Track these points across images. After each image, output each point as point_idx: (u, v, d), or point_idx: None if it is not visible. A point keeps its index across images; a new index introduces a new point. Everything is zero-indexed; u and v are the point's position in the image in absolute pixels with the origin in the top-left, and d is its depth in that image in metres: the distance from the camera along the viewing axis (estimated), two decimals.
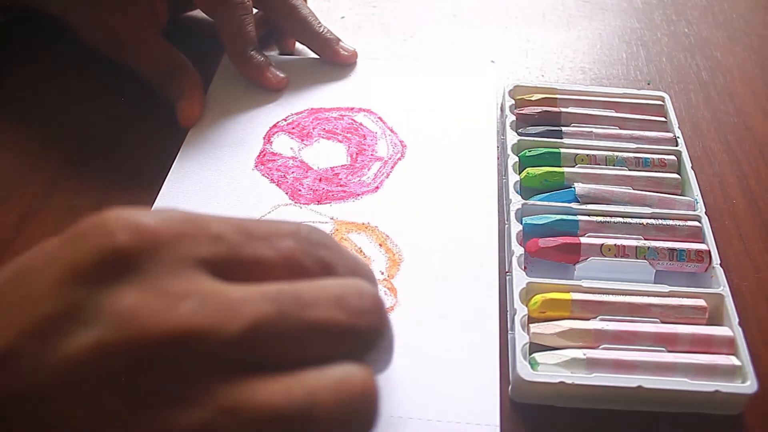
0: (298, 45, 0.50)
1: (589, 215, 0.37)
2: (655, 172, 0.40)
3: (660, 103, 0.44)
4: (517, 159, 0.40)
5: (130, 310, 0.19)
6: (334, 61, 0.48)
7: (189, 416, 0.18)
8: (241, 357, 0.20)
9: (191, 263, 0.20)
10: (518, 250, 0.35)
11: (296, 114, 0.45)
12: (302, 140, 0.43)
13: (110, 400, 0.18)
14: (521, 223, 0.36)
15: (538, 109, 0.43)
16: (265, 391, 0.19)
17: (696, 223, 0.37)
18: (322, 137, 0.43)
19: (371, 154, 0.42)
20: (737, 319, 0.32)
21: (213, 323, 0.19)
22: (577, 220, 0.36)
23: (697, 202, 0.38)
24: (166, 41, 0.45)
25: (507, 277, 0.35)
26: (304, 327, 0.21)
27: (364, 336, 0.22)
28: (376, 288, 0.25)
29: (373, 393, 0.21)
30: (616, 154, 0.40)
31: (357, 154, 0.42)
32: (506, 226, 0.37)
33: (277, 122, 0.44)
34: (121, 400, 0.18)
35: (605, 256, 0.35)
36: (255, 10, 0.48)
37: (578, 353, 0.30)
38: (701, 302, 0.33)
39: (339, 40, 0.49)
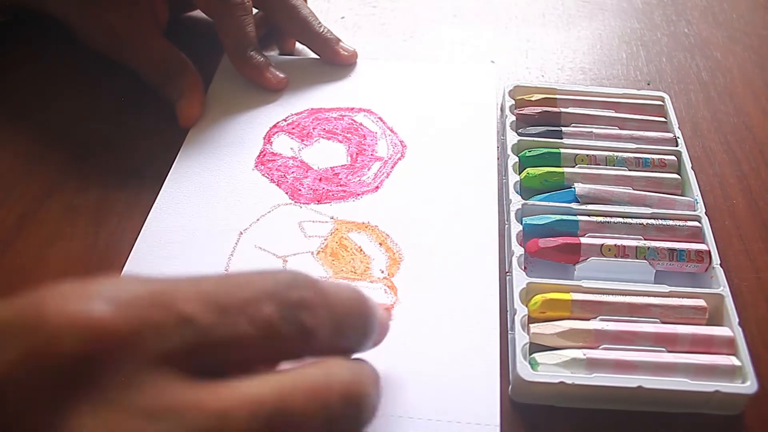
0: (298, 45, 0.50)
1: (589, 215, 0.37)
2: (655, 172, 0.40)
3: (660, 103, 0.44)
4: (517, 159, 0.40)
5: None
6: (334, 61, 0.48)
7: None
8: None
9: (159, 362, 0.17)
10: (518, 250, 0.35)
11: (296, 114, 0.45)
12: (302, 140, 0.43)
13: None
14: (521, 224, 0.36)
15: (538, 109, 0.43)
16: None
17: (696, 224, 0.37)
18: (322, 137, 0.43)
19: (371, 154, 0.42)
20: (737, 320, 0.32)
21: None
22: (577, 221, 0.36)
23: (697, 202, 0.38)
24: (167, 41, 0.45)
25: (507, 277, 0.35)
26: None
27: None
28: (369, 319, 0.24)
29: None
30: (616, 154, 0.40)
31: (357, 154, 0.42)
32: (506, 226, 0.37)
33: (277, 122, 0.44)
34: None
35: (605, 257, 0.35)
36: (255, 10, 0.48)
37: (578, 353, 0.30)
38: (701, 302, 0.33)
39: (339, 40, 0.49)
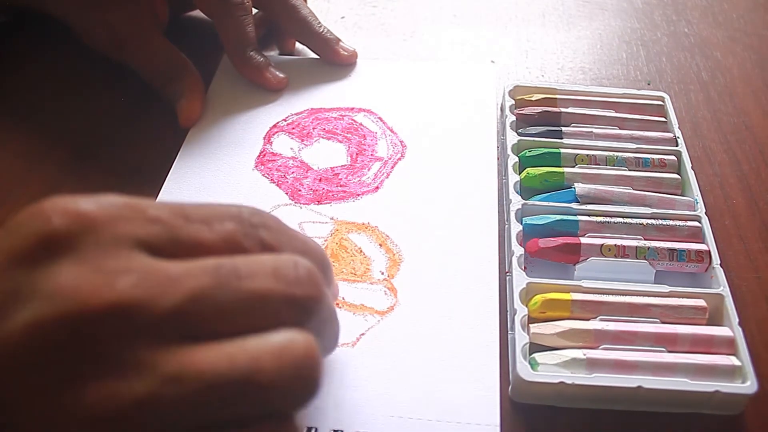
0: (298, 45, 0.50)
1: (589, 215, 0.37)
2: (655, 172, 0.40)
3: (660, 103, 0.44)
4: (517, 159, 0.40)
5: (67, 286, 0.19)
6: (334, 61, 0.48)
7: (131, 387, 0.19)
8: (181, 328, 0.20)
9: (129, 243, 0.21)
10: (518, 250, 0.35)
11: (296, 114, 0.45)
12: (302, 140, 0.43)
13: (49, 374, 0.18)
14: (521, 223, 0.36)
15: (538, 109, 0.43)
16: (208, 358, 0.20)
17: (696, 223, 0.37)
18: (322, 137, 0.43)
19: (371, 154, 0.42)
20: (737, 320, 0.32)
21: (151, 295, 0.20)
22: (577, 220, 0.36)
23: (697, 202, 0.38)
24: (167, 41, 0.45)
25: (507, 277, 0.35)
26: (242, 297, 0.21)
27: (302, 303, 0.22)
28: (325, 266, 0.26)
29: (316, 358, 0.21)
30: (616, 154, 0.40)
31: (357, 154, 0.42)
32: (506, 226, 0.37)
33: (277, 122, 0.44)
34: (60, 375, 0.19)
35: (605, 256, 0.35)
36: (255, 10, 0.48)
37: (578, 353, 0.30)
38: (701, 302, 0.33)
39: (339, 40, 0.49)
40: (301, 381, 0.21)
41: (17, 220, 0.21)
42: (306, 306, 0.22)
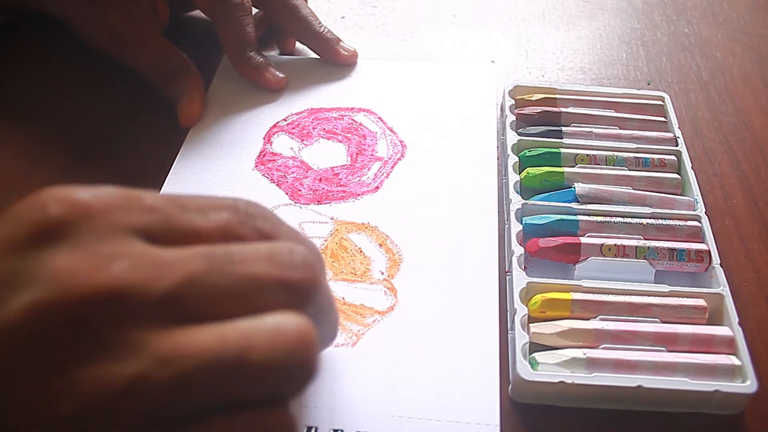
0: (298, 45, 0.50)
1: (589, 215, 0.37)
2: (655, 172, 0.40)
3: (660, 103, 0.44)
4: (517, 159, 0.40)
5: (63, 271, 0.19)
6: (334, 61, 0.48)
7: (125, 367, 0.19)
8: (174, 311, 0.20)
9: (124, 231, 0.21)
10: (518, 250, 0.35)
11: (296, 114, 0.45)
12: (302, 140, 0.43)
13: (44, 357, 0.19)
14: (521, 223, 0.36)
15: (538, 109, 0.43)
16: (199, 338, 0.20)
17: (696, 223, 0.37)
18: (322, 137, 0.43)
19: (371, 154, 0.42)
20: (737, 319, 0.32)
21: (145, 279, 0.20)
22: (577, 220, 0.36)
23: (697, 202, 0.38)
24: (168, 41, 0.45)
25: (507, 277, 0.35)
26: (236, 280, 0.21)
27: (297, 287, 0.22)
28: (320, 262, 0.25)
29: (310, 340, 0.21)
30: (616, 154, 0.40)
31: (357, 154, 0.42)
32: (506, 226, 0.37)
33: (277, 122, 0.44)
34: (55, 357, 0.19)
35: (605, 256, 0.35)
36: (255, 10, 0.48)
37: (578, 353, 0.30)
38: (701, 302, 0.33)
39: (339, 40, 0.49)
40: (295, 362, 0.20)
41: (15, 209, 0.21)
42: (302, 290, 0.22)
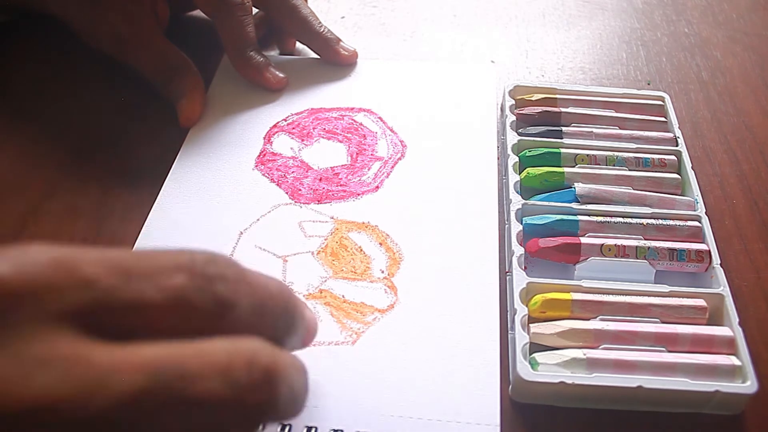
0: (298, 45, 0.50)
1: (589, 215, 0.37)
2: (655, 172, 0.40)
3: (660, 103, 0.44)
4: (517, 159, 0.40)
5: None
6: (334, 61, 0.48)
7: None
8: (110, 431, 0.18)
9: (55, 319, 0.18)
10: (518, 250, 0.35)
11: (296, 114, 0.45)
12: (302, 140, 0.43)
13: None
14: (521, 223, 0.36)
15: (538, 109, 0.43)
16: None
17: (696, 223, 0.37)
18: (323, 137, 0.43)
19: (371, 154, 0.42)
20: (737, 319, 0.32)
21: (75, 397, 0.17)
22: (577, 220, 0.36)
23: (697, 202, 0.38)
24: (168, 41, 0.45)
25: (507, 277, 0.35)
26: (184, 402, 0.18)
27: (252, 411, 0.20)
28: (290, 313, 0.23)
29: None
30: (616, 154, 0.40)
31: (357, 154, 0.42)
32: (506, 226, 0.37)
33: (277, 122, 0.44)
34: None
35: (605, 256, 0.35)
36: (255, 10, 0.48)
37: (578, 353, 0.30)
38: (701, 302, 0.33)
39: (339, 39, 0.49)
40: None
41: None
42: (256, 415, 0.20)
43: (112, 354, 0.18)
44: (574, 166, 0.40)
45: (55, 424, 0.17)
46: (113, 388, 0.17)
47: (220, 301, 0.20)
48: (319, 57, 0.49)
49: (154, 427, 0.18)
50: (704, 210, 0.38)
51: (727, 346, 0.31)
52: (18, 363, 0.17)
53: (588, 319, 0.32)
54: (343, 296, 0.34)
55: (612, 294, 0.33)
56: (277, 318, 0.23)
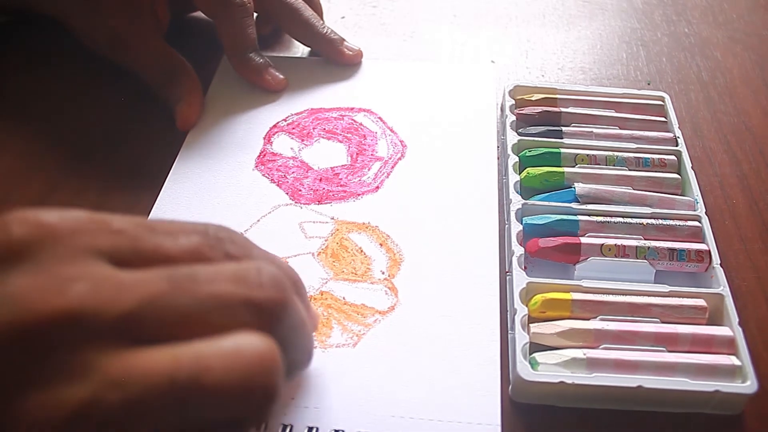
0: (297, 45, 0.50)
1: (589, 215, 0.37)
2: (655, 172, 0.40)
3: (660, 103, 0.44)
4: (517, 159, 0.40)
5: (19, 293, 0.19)
6: (340, 61, 0.48)
7: (75, 392, 0.18)
8: (133, 333, 0.20)
9: (89, 253, 0.20)
10: (518, 250, 0.35)
11: (296, 114, 0.45)
12: (302, 140, 0.43)
13: (0, 381, 0.18)
14: (521, 223, 0.36)
15: (538, 109, 0.43)
16: (153, 360, 0.19)
17: (696, 223, 0.37)
18: (323, 137, 0.43)
19: (371, 154, 0.42)
20: (737, 319, 0.32)
21: (102, 302, 0.19)
22: (577, 220, 0.36)
23: (697, 202, 0.38)
24: (167, 44, 0.45)
25: (507, 277, 0.35)
26: (198, 301, 0.20)
27: (264, 307, 0.21)
28: (298, 285, 0.25)
29: (272, 363, 0.20)
30: (616, 154, 0.40)
31: (357, 154, 0.42)
32: (506, 226, 0.37)
33: (277, 122, 0.44)
34: (8, 382, 0.18)
35: (605, 256, 0.35)
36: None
37: (578, 353, 0.30)
38: (701, 302, 0.33)
39: (343, 40, 0.49)
40: (254, 386, 0.20)
41: None
42: (268, 310, 0.21)
43: (135, 272, 0.21)
44: (574, 166, 0.40)
45: (85, 327, 0.19)
46: (135, 292, 0.20)
47: (231, 257, 0.23)
48: (319, 57, 0.49)
49: (173, 324, 0.20)
50: (704, 210, 0.38)
51: (727, 346, 0.31)
52: (56, 280, 0.19)
53: (588, 319, 0.32)
54: (343, 298, 0.34)
55: (612, 294, 0.33)
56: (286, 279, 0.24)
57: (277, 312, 0.22)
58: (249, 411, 0.20)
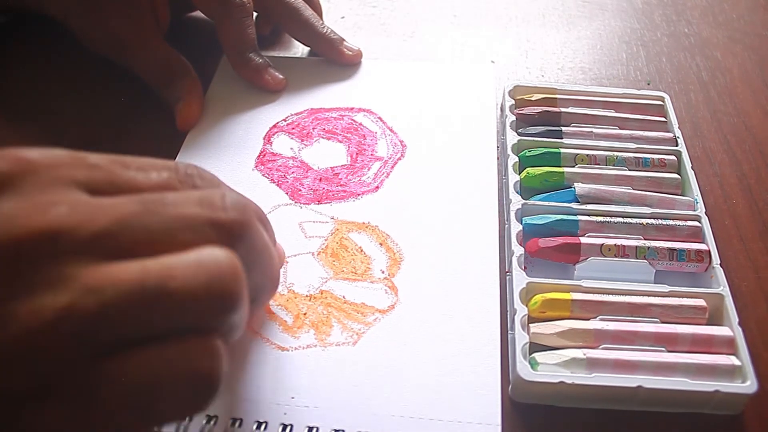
0: (297, 44, 0.50)
1: (589, 215, 0.37)
2: (655, 172, 0.40)
3: (660, 103, 0.44)
4: (517, 159, 0.40)
5: (5, 214, 0.21)
6: (340, 61, 0.48)
7: (56, 299, 0.20)
8: (107, 249, 0.21)
9: (67, 183, 0.22)
10: (518, 250, 0.35)
11: (296, 114, 0.45)
12: (302, 140, 0.43)
13: None
14: (521, 223, 0.36)
15: (538, 109, 0.43)
16: (125, 269, 0.21)
17: (696, 223, 0.37)
18: (322, 137, 0.43)
19: (371, 154, 0.42)
20: (737, 319, 0.32)
21: (80, 221, 0.21)
22: (577, 220, 0.36)
23: (697, 202, 0.38)
24: (167, 44, 0.45)
25: (507, 277, 0.35)
26: (167, 220, 0.22)
27: (228, 227, 0.23)
28: (264, 221, 0.27)
29: (233, 271, 0.22)
30: (616, 154, 0.40)
31: (357, 154, 0.42)
32: (506, 226, 0.37)
33: (277, 122, 0.44)
34: None
35: (605, 256, 0.35)
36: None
37: (578, 353, 0.30)
38: (701, 302, 0.33)
39: (343, 40, 0.49)
40: (216, 291, 0.21)
41: None
42: (232, 230, 0.23)
43: (110, 198, 0.23)
44: (574, 166, 0.40)
45: (63, 243, 0.21)
46: (109, 213, 0.22)
47: (198, 189, 0.25)
48: (319, 57, 0.49)
49: (143, 241, 0.22)
50: (704, 210, 0.38)
51: (727, 346, 0.31)
52: (36, 204, 0.21)
53: (588, 319, 0.32)
54: (343, 297, 0.34)
55: (612, 294, 0.33)
56: (248, 203, 0.26)
57: (239, 232, 0.24)
58: (212, 316, 0.22)
